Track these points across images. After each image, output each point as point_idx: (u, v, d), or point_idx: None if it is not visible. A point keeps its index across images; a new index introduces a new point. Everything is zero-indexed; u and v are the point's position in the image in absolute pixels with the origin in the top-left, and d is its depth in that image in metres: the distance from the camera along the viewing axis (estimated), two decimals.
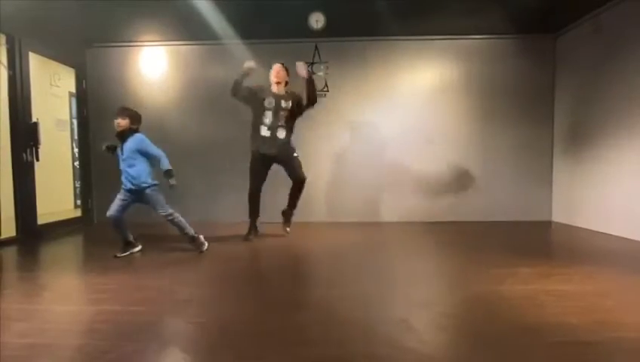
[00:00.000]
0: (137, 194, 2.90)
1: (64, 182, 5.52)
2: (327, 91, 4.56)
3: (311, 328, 1.67)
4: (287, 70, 3.44)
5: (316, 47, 4.59)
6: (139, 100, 4.58)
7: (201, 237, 3.04)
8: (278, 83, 3.36)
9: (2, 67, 3.55)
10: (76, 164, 5.39)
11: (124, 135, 2.88)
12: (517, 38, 4.49)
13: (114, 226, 2.91)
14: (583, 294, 2.03)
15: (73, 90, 4.75)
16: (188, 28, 4.46)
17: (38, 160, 3.77)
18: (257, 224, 3.60)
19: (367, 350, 1.46)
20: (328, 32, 4.47)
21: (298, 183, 3.48)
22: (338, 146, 4.63)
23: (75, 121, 5.30)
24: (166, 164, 2.86)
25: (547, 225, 4.37)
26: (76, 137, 5.25)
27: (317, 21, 4.45)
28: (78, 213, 4.76)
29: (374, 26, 4.39)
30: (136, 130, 2.93)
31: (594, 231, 3.81)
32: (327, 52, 4.57)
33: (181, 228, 2.99)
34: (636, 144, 3.37)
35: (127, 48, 4.65)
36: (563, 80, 4.43)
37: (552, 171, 4.60)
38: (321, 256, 3.12)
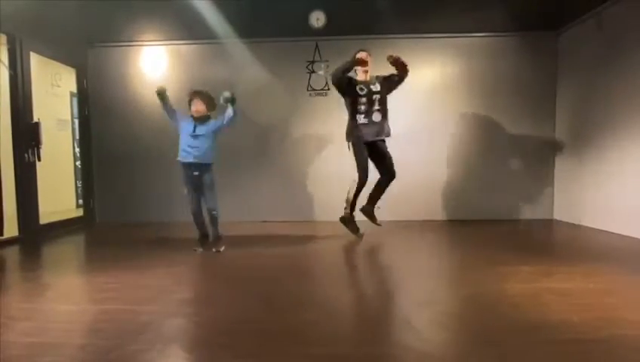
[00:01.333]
0: (201, 170, 2.99)
1: (66, 182, 5.53)
2: (328, 90, 4.56)
3: (311, 327, 1.67)
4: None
5: (317, 45, 4.58)
6: (140, 100, 4.59)
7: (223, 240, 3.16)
8: (365, 71, 3.44)
9: (3, 67, 3.56)
10: (78, 163, 5.39)
11: (202, 120, 3.02)
12: (519, 35, 4.47)
13: (195, 220, 3.09)
14: (586, 292, 2.03)
15: (74, 89, 4.76)
16: (189, 27, 4.46)
17: (39, 160, 3.78)
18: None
19: (368, 349, 1.46)
20: (329, 30, 4.46)
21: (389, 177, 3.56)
22: (338, 145, 4.63)
23: (76, 121, 5.31)
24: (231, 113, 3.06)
25: (549, 223, 4.36)
26: (77, 137, 5.26)
27: (317, 19, 4.45)
28: (80, 212, 4.77)
29: (375, 24, 4.38)
30: (209, 116, 3.07)
31: (596, 229, 3.80)
32: (327, 50, 4.56)
33: (216, 226, 3.13)
34: (638, 141, 3.35)
35: (128, 48, 4.65)
36: (565, 77, 4.41)
37: (553, 169, 4.58)
38: (322, 254, 3.12)
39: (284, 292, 2.14)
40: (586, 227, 3.94)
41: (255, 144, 4.66)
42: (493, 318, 1.73)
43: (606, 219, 3.72)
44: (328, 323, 1.71)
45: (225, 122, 3.06)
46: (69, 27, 4.29)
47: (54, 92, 5.29)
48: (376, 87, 3.38)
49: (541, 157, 4.57)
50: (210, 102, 3.06)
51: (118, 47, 4.64)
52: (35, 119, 3.78)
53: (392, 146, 4.58)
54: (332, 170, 4.62)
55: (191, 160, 2.97)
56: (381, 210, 4.54)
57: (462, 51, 4.52)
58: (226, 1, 4.24)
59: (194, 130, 2.99)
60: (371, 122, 3.36)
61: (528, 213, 4.55)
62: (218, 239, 3.14)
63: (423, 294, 2.08)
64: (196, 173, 3.00)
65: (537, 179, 4.57)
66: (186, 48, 4.65)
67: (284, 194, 4.51)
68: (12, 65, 3.58)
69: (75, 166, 5.64)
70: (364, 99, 3.35)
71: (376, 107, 3.36)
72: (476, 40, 4.52)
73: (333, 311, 1.86)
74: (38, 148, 3.75)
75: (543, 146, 4.57)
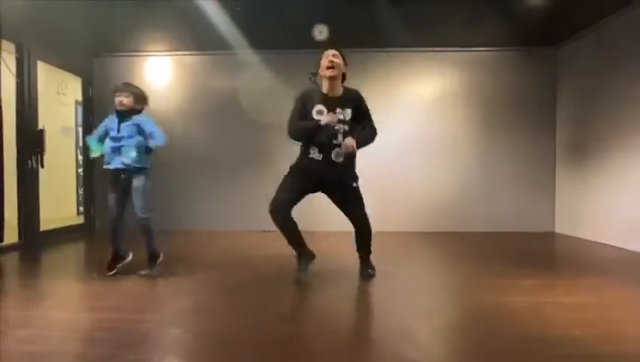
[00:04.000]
0: (129, 174, 2.48)
1: (67, 189, 5.54)
2: None
3: (311, 338, 1.66)
4: (343, 55, 2.43)
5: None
6: (144, 109, 4.64)
7: (159, 262, 2.61)
8: (332, 78, 2.39)
9: (10, 75, 3.61)
10: (80, 170, 5.42)
11: (124, 115, 2.51)
12: (519, 50, 4.54)
13: (110, 234, 2.56)
14: (587, 306, 2.01)
15: (79, 98, 4.82)
16: (193, 38, 4.53)
17: (42, 166, 3.80)
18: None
19: (369, 361, 1.45)
20: (331, 42, 4.53)
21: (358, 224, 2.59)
22: None
23: (80, 129, 5.35)
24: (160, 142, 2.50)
25: (550, 236, 4.34)
26: (81, 144, 5.30)
27: (320, 32, 4.52)
28: (81, 220, 4.77)
29: (376, 37, 4.45)
30: (139, 111, 2.59)
31: (597, 242, 3.78)
32: None
33: (151, 239, 2.55)
34: (639, 155, 3.37)
35: (133, 58, 4.72)
36: (565, 91, 4.46)
37: (554, 182, 4.59)
38: (323, 265, 3.10)
39: (282, 303, 2.13)
40: (587, 240, 3.93)
41: (256, 153, 4.69)
42: (494, 332, 1.71)
43: (607, 232, 3.70)
44: (327, 335, 1.69)
45: (155, 135, 2.50)
46: (76, 36, 4.37)
47: (60, 100, 5.35)
48: (345, 113, 2.37)
49: (542, 170, 4.59)
50: (139, 96, 2.59)
51: (124, 57, 4.71)
52: (40, 126, 3.82)
53: (393, 158, 4.62)
54: None
55: (118, 165, 2.47)
56: (383, 220, 4.54)
57: (462, 65, 4.58)
58: (230, 12, 4.33)
59: (118, 130, 2.50)
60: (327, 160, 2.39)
61: (529, 225, 4.53)
62: (153, 257, 2.56)
63: (423, 306, 2.07)
64: (123, 176, 2.50)
65: (538, 191, 4.57)
66: (190, 59, 4.73)
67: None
68: (19, 74, 3.64)
69: (77, 173, 5.67)
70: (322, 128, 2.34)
71: (339, 141, 2.36)
72: (477, 54, 4.58)
73: (332, 323, 1.84)
74: (42, 155, 3.78)
75: (543, 159, 4.58)
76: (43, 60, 3.96)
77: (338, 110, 2.37)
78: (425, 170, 4.60)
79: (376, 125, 2.57)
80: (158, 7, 3.74)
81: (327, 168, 2.40)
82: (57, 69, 4.43)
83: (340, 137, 2.36)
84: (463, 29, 4.27)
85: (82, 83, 4.66)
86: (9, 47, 3.59)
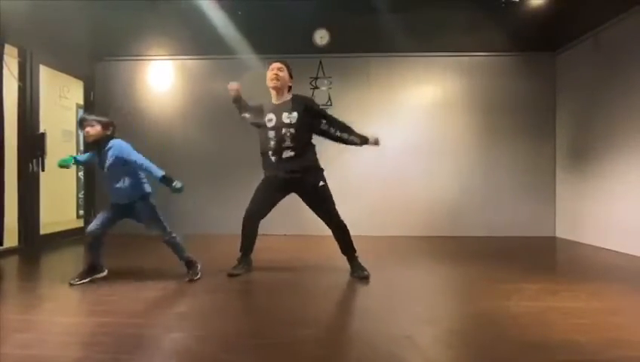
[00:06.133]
0: (129, 208, 2.53)
1: (67, 192, 5.54)
2: (331, 105, 4.62)
3: (312, 343, 1.65)
4: (288, 68, 2.66)
5: (320, 62, 4.67)
6: (146, 113, 4.65)
7: (199, 265, 2.67)
8: (275, 89, 2.63)
9: (12, 79, 3.63)
10: (80, 174, 5.42)
11: (99, 144, 2.46)
12: (518, 55, 4.57)
13: (90, 244, 2.50)
14: (591, 311, 2.00)
15: (81, 101, 4.84)
16: (195, 42, 4.56)
17: (43, 170, 3.80)
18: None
19: None
20: (332, 48, 4.56)
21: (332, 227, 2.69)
22: (341, 161, 4.65)
23: (80, 132, 5.35)
24: (158, 173, 2.43)
25: (551, 240, 4.33)
26: (81, 148, 5.30)
27: (321, 37, 4.55)
28: (80, 223, 4.76)
29: (377, 42, 4.48)
30: (111, 136, 2.49)
31: (598, 247, 3.78)
32: (331, 67, 4.65)
33: (180, 251, 2.63)
34: (639, 159, 3.37)
35: (135, 62, 4.75)
36: (564, 96, 4.48)
37: (555, 187, 4.59)
38: (324, 269, 3.09)
39: (284, 307, 2.11)
40: (589, 245, 3.92)
41: (257, 157, 4.69)
42: (497, 337, 1.70)
43: (608, 237, 3.70)
44: (329, 340, 1.68)
45: (147, 167, 2.42)
46: (79, 40, 4.40)
47: (62, 103, 5.37)
48: (291, 117, 2.54)
49: (542, 174, 4.59)
50: (104, 123, 2.48)
51: (126, 61, 4.74)
52: (42, 130, 3.82)
53: (394, 163, 4.62)
54: (334, 184, 4.63)
55: (118, 201, 2.51)
56: (384, 224, 4.53)
57: (463, 70, 4.61)
58: (232, 17, 4.36)
59: (102, 166, 2.46)
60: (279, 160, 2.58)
61: (530, 230, 4.53)
62: (189, 265, 2.62)
63: (426, 311, 2.06)
64: (125, 202, 2.53)
65: (539, 196, 4.58)
66: (192, 63, 4.75)
67: (284, 208, 4.50)
68: (22, 78, 3.65)
69: (78, 176, 5.66)
70: (271, 133, 2.57)
71: (287, 144, 2.54)
72: (477, 59, 4.61)
73: (335, 328, 1.83)
74: (43, 159, 3.78)
75: (544, 163, 4.59)
76: (45, 64, 3.97)
77: (285, 115, 2.58)
78: (426, 174, 4.60)
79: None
80: (159, 12, 3.77)
81: (280, 169, 2.62)
82: (59, 73, 4.45)
83: (287, 141, 2.56)
84: (464, 34, 4.30)
85: (84, 87, 4.68)
86: (12, 51, 3.61)
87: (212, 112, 4.67)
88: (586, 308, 2.06)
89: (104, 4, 3.68)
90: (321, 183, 2.67)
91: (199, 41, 4.47)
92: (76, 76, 4.62)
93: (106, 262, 2.68)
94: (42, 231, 3.88)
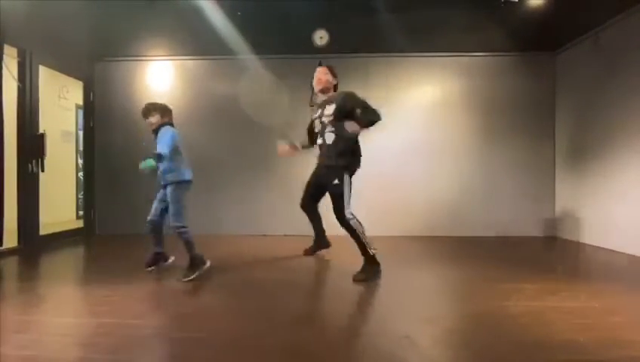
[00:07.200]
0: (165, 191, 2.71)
1: (67, 193, 5.54)
2: None
3: (312, 343, 1.64)
4: (331, 71, 3.04)
5: (320, 63, 4.66)
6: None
7: (203, 267, 2.68)
8: (321, 91, 2.99)
9: (12, 79, 3.63)
10: (80, 175, 5.42)
11: (156, 130, 2.75)
12: (518, 55, 4.56)
13: (149, 232, 2.76)
14: (590, 311, 2.00)
15: (80, 102, 4.83)
16: (194, 43, 4.56)
17: (43, 170, 3.80)
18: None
19: None
20: (331, 48, 4.56)
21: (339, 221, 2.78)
22: None
23: (80, 133, 5.36)
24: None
25: (551, 240, 4.33)
26: (81, 148, 5.30)
27: (321, 38, 4.55)
28: (80, 223, 4.76)
29: (377, 43, 4.48)
30: (166, 123, 2.77)
31: (598, 247, 3.78)
32: None
33: (187, 247, 2.64)
34: (638, 158, 3.37)
35: (134, 62, 4.74)
36: (563, 96, 4.48)
37: (554, 187, 4.59)
38: (324, 269, 3.09)
39: (284, 308, 2.11)
40: (589, 245, 3.92)
41: (256, 157, 4.70)
42: (497, 337, 1.70)
43: (608, 237, 3.70)
44: (329, 340, 1.68)
45: (159, 144, 2.61)
46: (78, 41, 4.39)
47: (61, 104, 5.37)
48: (329, 110, 2.82)
49: (542, 174, 4.59)
50: (163, 111, 2.78)
51: (126, 62, 4.73)
52: (41, 130, 3.82)
53: (393, 163, 4.62)
54: None
55: (161, 182, 2.72)
56: (383, 224, 4.52)
57: (462, 70, 4.61)
58: (231, 18, 4.36)
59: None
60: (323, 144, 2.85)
61: (530, 230, 4.53)
62: (190, 264, 2.61)
63: (426, 311, 2.06)
64: (162, 184, 2.74)
65: (539, 195, 4.57)
66: (191, 63, 4.75)
67: (284, 208, 4.50)
68: (21, 78, 3.65)
69: (77, 177, 5.66)
70: (316, 122, 2.94)
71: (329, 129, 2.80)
72: (476, 59, 4.61)
73: (334, 328, 1.83)
74: (42, 160, 3.77)
75: (543, 163, 4.59)
76: (45, 65, 3.97)
77: (326, 108, 2.89)
78: (425, 174, 4.60)
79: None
80: (159, 12, 3.77)
81: (322, 154, 2.92)
82: (59, 73, 4.45)
83: (327, 128, 2.83)
84: (463, 34, 4.30)
85: (83, 87, 4.67)
86: (11, 52, 3.61)
87: (211, 113, 4.68)
88: (585, 307, 2.06)
89: (104, 4, 3.67)
90: (335, 181, 2.72)
91: (198, 41, 4.46)
92: (76, 76, 4.62)
93: (106, 262, 2.68)
94: (42, 232, 3.87)
